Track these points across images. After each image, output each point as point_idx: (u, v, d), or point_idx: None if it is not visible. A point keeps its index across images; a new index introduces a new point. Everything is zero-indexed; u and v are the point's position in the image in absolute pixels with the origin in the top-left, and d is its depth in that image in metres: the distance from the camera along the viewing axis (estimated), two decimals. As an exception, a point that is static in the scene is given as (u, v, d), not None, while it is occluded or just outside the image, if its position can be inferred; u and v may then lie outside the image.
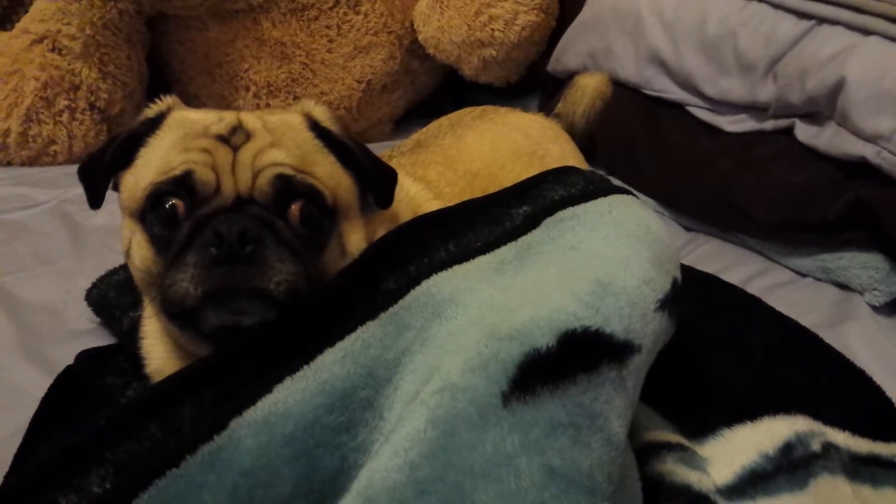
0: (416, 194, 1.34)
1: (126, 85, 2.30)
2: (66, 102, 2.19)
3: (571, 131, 1.89)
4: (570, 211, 1.08)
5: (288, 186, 0.99)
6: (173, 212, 0.97)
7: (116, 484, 0.77)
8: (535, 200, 1.13)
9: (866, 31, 1.58)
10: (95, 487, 0.77)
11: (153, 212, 0.98)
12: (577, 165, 1.40)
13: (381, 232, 1.11)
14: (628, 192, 1.17)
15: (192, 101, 2.49)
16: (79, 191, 1.08)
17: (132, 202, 1.02)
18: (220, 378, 0.87)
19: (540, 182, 1.18)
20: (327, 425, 0.81)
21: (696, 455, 1.05)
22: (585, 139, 1.94)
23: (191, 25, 2.33)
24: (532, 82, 2.56)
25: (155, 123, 1.06)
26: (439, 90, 2.77)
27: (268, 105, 2.39)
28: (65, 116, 2.19)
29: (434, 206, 1.31)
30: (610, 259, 0.96)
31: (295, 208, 0.99)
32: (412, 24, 2.49)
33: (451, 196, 1.40)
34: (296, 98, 2.39)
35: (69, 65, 2.19)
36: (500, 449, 0.75)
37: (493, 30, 2.37)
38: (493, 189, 1.23)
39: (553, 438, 0.76)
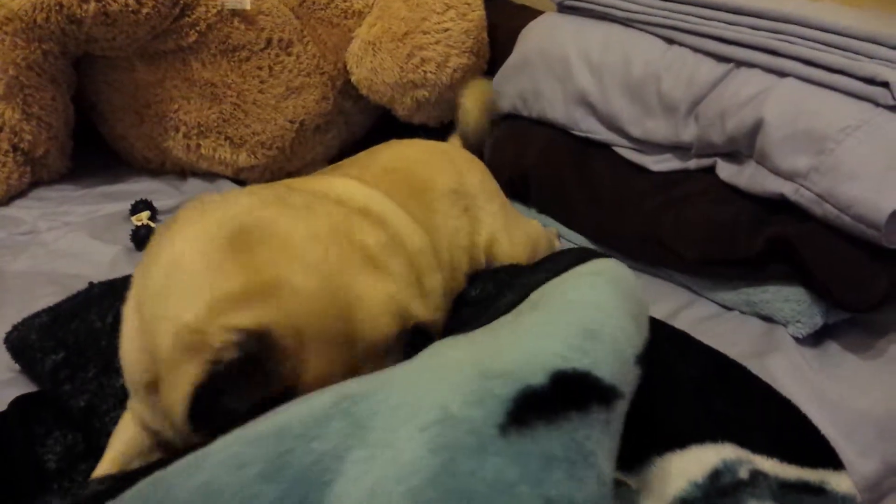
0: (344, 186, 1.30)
1: (51, 126, 2.24)
2: (-12, 144, 2.13)
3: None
4: (554, 280, 1.11)
5: None
6: None
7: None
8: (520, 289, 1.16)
9: (782, 73, 1.64)
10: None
11: None
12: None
13: None
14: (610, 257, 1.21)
15: (120, 141, 2.44)
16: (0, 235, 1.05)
17: None
18: None
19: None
20: (300, 435, 0.81)
21: (630, 489, 1.06)
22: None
23: (118, 66, 2.28)
24: (464, 123, 2.58)
25: None
26: (373, 130, 2.78)
27: (198, 146, 2.35)
28: (-14, 158, 2.12)
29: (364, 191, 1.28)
30: (599, 308, 0.99)
31: None
32: (345, 66, 2.50)
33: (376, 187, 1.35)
34: (227, 139, 2.36)
35: (-9, 106, 2.13)
36: (500, 477, 0.75)
37: (425, 72, 2.40)
38: (412, 182, 1.36)
39: (549, 471, 0.77)
